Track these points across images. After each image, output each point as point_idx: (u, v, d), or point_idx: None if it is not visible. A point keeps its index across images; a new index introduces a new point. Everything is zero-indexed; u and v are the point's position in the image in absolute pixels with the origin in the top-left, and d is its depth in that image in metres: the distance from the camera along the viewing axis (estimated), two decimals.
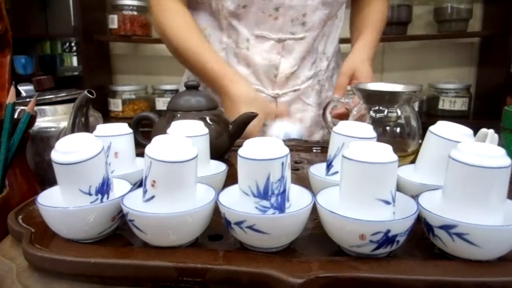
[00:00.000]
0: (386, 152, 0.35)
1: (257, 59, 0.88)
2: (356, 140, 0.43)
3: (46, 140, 0.61)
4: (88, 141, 0.38)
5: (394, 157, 0.35)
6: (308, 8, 0.85)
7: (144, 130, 0.67)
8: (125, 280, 0.34)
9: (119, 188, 0.42)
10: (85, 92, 0.56)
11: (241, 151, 0.36)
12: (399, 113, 0.58)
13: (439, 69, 1.97)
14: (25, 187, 0.52)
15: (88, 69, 1.90)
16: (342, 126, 0.46)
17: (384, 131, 0.58)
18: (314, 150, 0.74)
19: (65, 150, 0.36)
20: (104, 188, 0.39)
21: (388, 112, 0.58)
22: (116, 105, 1.93)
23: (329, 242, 0.36)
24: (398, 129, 0.58)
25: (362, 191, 0.35)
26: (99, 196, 0.38)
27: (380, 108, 0.58)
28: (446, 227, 0.33)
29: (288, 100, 0.92)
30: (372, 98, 0.59)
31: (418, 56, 1.97)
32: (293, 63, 0.89)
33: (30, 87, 0.70)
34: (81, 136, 0.39)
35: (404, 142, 0.59)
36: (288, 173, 0.36)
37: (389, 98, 0.58)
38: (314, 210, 0.36)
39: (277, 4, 0.83)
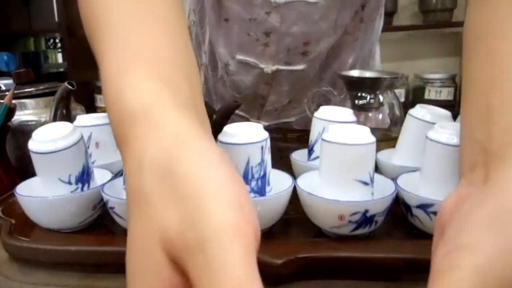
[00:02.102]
0: (364, 134, 0.35)
1: (239, 84, 0.71)
2: (336, 124, 0.43)
3: (27, 134, 0.59)
4: (66, 130, 0.37)
5: (372, 138, 0.35)
6: (313, 35, 0.63)
7: None
8: (106, 267, 0.34)
9: (100, 177, 0.41)
10: (66, 83, 0.55)
11: (220, 136, 0.36)
12: (381, 99, 0.59)
13: (425, 59, 1.98)
14: (5, 181, 0.52)
15: (73, 65, 1.89)
16: (322, 111, 0.46)
17: (367, 118, 0.58)
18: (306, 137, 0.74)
19: (43, 139, 0.36)
20: (84, 177, 0.39)
21: (370, 98, 0.58)
22: (102, 100, 1.90)
23: (310, 225, 0.37)
24: (380, 116, 0.59)
25: (341, 173, 0.35)
26: (80, 185, 0.38)
27: (362, 94, 0.59)
28: (423, 206, 0.34)
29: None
30: (354, 85, 0.59)
31: (403, 47, 1.98)
32: (283, 97, 0.71)
33: (10, 81, 0.69)
34: (58, 125, 0.38)
35: (387, 128, 0.59)
36: (268, 157, 0.37)
37: (370, 85, 0.58)
38: (296, 195, 0.37)
39: (268, 28, 0.63)
